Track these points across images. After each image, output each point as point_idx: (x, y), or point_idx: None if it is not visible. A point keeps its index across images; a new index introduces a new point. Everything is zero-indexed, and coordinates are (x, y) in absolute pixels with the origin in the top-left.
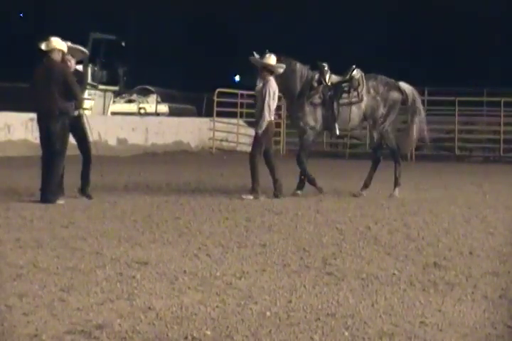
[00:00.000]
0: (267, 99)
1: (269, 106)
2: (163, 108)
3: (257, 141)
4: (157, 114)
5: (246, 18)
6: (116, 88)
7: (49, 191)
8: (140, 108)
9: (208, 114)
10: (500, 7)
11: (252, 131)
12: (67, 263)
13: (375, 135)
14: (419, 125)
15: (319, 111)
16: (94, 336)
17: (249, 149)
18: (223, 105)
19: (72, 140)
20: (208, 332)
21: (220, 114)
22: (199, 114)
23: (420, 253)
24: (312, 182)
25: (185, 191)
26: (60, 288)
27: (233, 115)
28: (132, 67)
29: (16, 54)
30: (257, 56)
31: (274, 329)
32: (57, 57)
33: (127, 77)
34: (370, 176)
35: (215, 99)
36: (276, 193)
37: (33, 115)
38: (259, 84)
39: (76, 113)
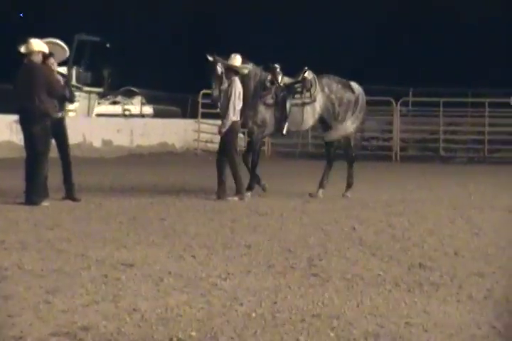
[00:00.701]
0: (232, 98)
1: (234, 105)
2: (148, 109)
3: (227, 140)
4: (142, 115)
5: (232, 19)
6: (100, 89)
7: (33, 193)
8: (125, 109)
9: (193, 115)
10: (481, 9)
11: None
12: (52, 265)
13: (334, 135)
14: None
15: (271, 112)
16: (79, 338)
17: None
18: (208, 106)
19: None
20: (194, 334)
21: (205, 116)
22: (184, 116)
23: (405, 254)
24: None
25: (170, 192)
26: (45, 290)
27: (218, 116)
28: (117, 68)
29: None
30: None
31: (260, 331)
32: (37, 58)
33: (112, 79)
34: (350, 175)
35: (200, 100)
36: (218, 195)
37: (17, 117)
38: (224, 85)
39: (59, 115)
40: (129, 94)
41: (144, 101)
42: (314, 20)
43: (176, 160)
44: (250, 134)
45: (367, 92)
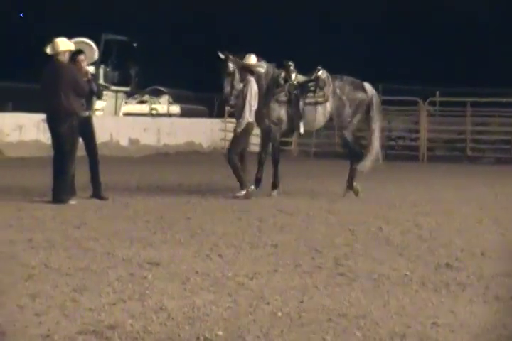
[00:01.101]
0: (248, 98)
1: (250, 106)
2: (175, 109)
3: (235, 140)
4: (169, 114)
5: (258, 19)
6: (128, 89)
7: (61, 191)
8: (152, 109)
9: (220, 114)
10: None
11: None
12: (79, 263)
13: (347, 135)
14: (377, 133)
15: (284, 109)
16: (106, 336)
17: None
18: None
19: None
20: (220, 333)
21: (231, 115)
22: (211, 115)
23: (432, 254)
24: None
25: (197, 191)
26: (72, 288)
27: None
28: (144, 67)
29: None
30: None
31: (286, 330)
32: (63, 58)
33: (139, 78)
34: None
35: None
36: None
37: (44, 116)
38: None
39: (86, 113)
40: (156, 94)
41: (171, 100)
42: (335, 16)
43: (202, 160)
44: (268, 132)
45: (394, 92)
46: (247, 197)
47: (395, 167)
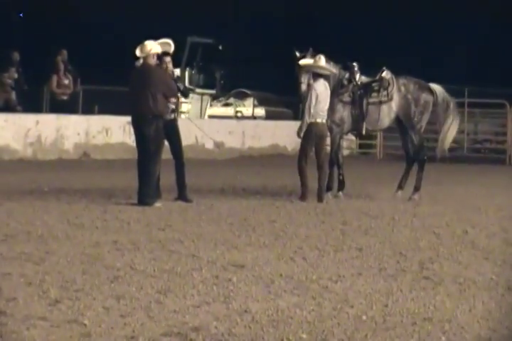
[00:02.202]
0: (308, 102)
1: (309, 108)
2: (260, 111)
3: (301, 143)
4: (254, 117)
5: (338, 19)
6: (213, 91)
7: (146, 194)
8: (237, 111)
9: None
10: None
11: (349, 134)
12: (163, 265)
13: (413, 135)
14: (451, 128)
15: (348, 110)
16: (190, 338)
17: (344, 152)
18: None
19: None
20: (304, 336)
21: None
22: (295, 118)
23: None
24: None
25: (281, 194)
26: (156, 290)
27: None
28: (229, 70)
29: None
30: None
31: (370, 333)
32: (152, 61)
33: (224, 81)
34: (420, 177)
35: None
36: (319, 198)
37: (130, 118)
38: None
39: (172, 116)
40: (241, 96)
41: (255, 103)
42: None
43: (287, 162)
44: (329, 133)
45: (481, 95)
46: (302, 199)
47: (480, 170)
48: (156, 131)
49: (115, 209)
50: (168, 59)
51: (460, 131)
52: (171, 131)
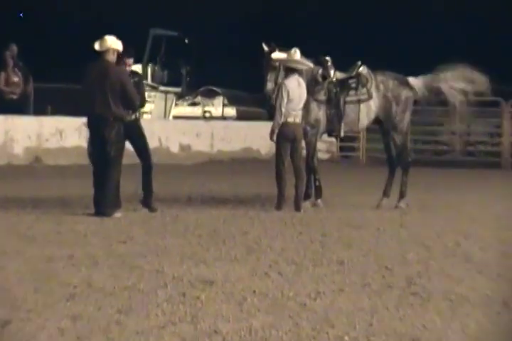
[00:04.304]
0: (278, 100)
1: (280, 107)
2: (231, 111)
3: (276, 148)
4: (224, 117)
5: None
6: (178, 89)
7: (104, 203)
8: (205, 111)
9: None
10: None
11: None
12: (124, 282)
13: (395, 136)
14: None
15: (323, 110)
16: None
17: (323, 156)
18: None
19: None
20: None
21: None
22: (271, 118)
23: None
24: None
25: (254, 203)
26: (116, 309)
27: None
28: (196, 66)
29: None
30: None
31: None
32: (111, 57)
33: (191, 78)
34: (405, 182)
35: None
36: (296, 207)
37: (86, 119)
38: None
39: (132, 117)
40: (210, 95)
41: (225, 102)
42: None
43: (261, 168)
44: (303, 135)
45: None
46: (277, 208)
47: (474, 175)
48: (117, 135)
49: (70, 220)
50: (130, 62)
51: (451, 133)
52: (134, 133)
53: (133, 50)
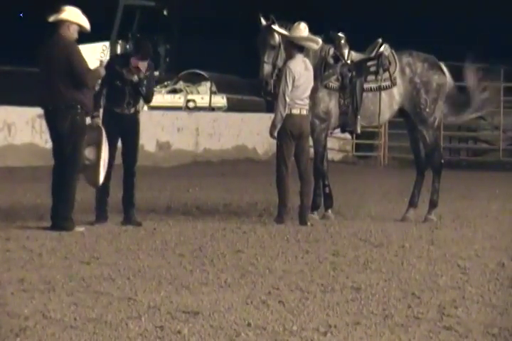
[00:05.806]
0: (281, 87)
1: (283, 96)
2: (220, 100)
3: (277, 146)
4: (211, 108)
5: None
6: (155, 73)
7: (63, 214)
8: (188, 100)
9: None
10: None
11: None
12: (88, 312)
13: (425, 132)
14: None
15: (335, 99)
16: None
17: (336, 156)
18: None
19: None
20: None
21: None
22: (269, 109)
23: None
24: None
25: (249, 214)
26: None
27: None
28: (178, 43)
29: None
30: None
31: None
32: (67, 32)
33: (171, 59)
34: (436, 189)
35: None
36: (302, 220)
37: (40, 111)
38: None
39: (132, 110)
40: (194, 80)
41: (214, 88)
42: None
43: (256, 171)
44: (311, 131)
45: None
46: (278, 221)
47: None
48: (72, 128)
49: (21, 235)
50: (140, 64)
51: (494, 127)
52: (130, 128)
53: (149, 49)
